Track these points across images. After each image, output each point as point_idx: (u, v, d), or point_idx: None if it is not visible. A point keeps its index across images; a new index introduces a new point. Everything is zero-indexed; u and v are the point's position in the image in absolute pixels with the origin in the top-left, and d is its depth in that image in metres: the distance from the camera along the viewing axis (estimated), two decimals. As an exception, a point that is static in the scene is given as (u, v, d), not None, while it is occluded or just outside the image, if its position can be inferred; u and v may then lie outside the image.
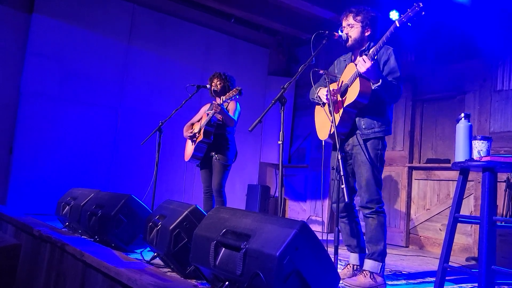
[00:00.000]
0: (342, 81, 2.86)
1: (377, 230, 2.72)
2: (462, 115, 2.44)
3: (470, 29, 4.68)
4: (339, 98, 2.82)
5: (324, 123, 2.92)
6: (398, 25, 2.55)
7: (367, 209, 2.75)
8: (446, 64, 5.09)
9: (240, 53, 6.92)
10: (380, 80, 2.63)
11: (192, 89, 4.20)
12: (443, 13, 4.85)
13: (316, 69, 2.83)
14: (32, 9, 5.35)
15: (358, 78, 2.68)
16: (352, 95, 2.71)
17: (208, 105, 4.34)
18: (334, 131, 2.57)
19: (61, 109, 5.46)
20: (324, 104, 2.88)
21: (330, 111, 2.65)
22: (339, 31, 2.91)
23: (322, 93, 2.87)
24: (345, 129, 2.82)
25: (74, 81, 5.57)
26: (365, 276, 2.67)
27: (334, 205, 2.79)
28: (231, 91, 3.80)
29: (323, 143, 2.97)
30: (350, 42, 2.86)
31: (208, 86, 4.19)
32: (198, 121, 4.29)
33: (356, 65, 2.72)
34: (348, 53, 3.02)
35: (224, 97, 3.85)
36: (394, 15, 5.09)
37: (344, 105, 2.75)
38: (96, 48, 5.72)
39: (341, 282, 2.58)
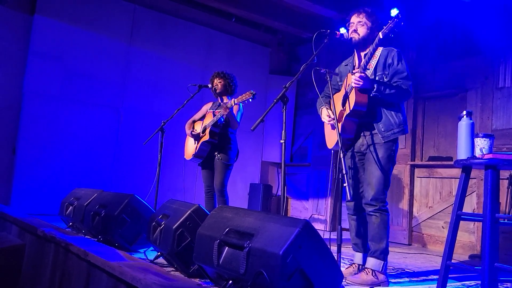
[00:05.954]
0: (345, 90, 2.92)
1: (380, 228, 2.73)
2: (464, 112, 2.43)
3: (472, 26, 4.67)
4: (341, 108, 2.90)
5: (331, 133, 3.00)
6: (381, 37, 2.63)
7: (370, 206, 2.76)
8: (448, 61, 5.09)
9: (241, 52, 6.92)
10: (375, 86, 2.72)
11: (194, 89, 4.20)
12: (445, 10, 4.84)
13: (317, 68, 2.84)
14: (34, 10, 5.37)
15: (353, 89, 2.74)
16: (350, 105, 2.78)
17: (210, 104, 4.33)
18: (339, 140, 2.64)
19: (63, 109, 5.48)
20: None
21: (335, 125, 2.77)
22: (343, 29, 2.91)
23: (324, 116, 2.98)
24: (350, 135, 2.88)
25: (76, 82, 5.59)
26: (367, 274, 2.68)
27: (349, 203, 2.91)
28: (244, 94, 3.65)
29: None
30: (357, 38, 2.87)
31: (209, 86, 4.19)
32: (200, 119, 4.28)
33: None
34: (349, 58, 3.04)
35: (236, 99, 3.72)
36: (394, 12, 5.07)
37: (345, 115, 2.83)
38: (97, 48, 5.73)
39: (343, 280, 2.59)
